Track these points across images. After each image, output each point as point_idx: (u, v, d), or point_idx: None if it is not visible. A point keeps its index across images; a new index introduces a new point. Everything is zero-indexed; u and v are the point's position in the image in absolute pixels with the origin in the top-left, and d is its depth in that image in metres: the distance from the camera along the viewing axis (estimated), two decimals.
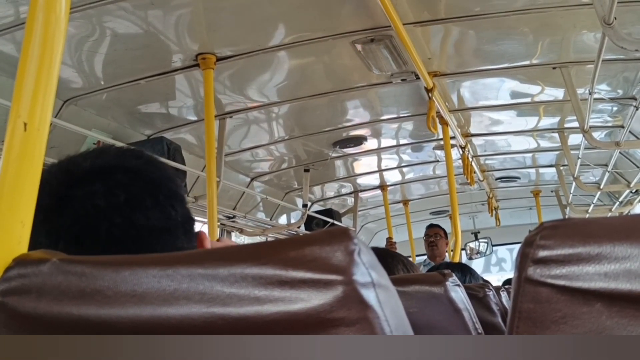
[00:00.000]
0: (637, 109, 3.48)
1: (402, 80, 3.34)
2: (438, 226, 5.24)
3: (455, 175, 3.97)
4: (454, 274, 1.32)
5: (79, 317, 0.57)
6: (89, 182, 0.77)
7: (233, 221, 4.66)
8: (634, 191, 5.45)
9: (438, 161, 5.15)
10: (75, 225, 0.75)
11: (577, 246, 0.53)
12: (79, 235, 0.75)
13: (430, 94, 3.27)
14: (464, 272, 2.53)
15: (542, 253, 0.54)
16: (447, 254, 5.15)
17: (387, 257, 1.83)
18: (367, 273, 0.53)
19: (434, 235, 5.13)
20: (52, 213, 0.75)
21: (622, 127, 3.89)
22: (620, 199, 5.94)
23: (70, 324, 0.58)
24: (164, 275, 0.56)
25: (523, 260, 0.55)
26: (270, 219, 5.30)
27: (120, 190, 0.77)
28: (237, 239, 5.03)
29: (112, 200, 0.76)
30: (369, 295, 0.52)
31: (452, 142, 3.99)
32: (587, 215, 6.24)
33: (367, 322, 0.52)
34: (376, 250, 1.88)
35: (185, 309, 0.54)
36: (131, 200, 0.77)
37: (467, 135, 4.47)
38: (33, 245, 0.72)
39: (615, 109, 3.99)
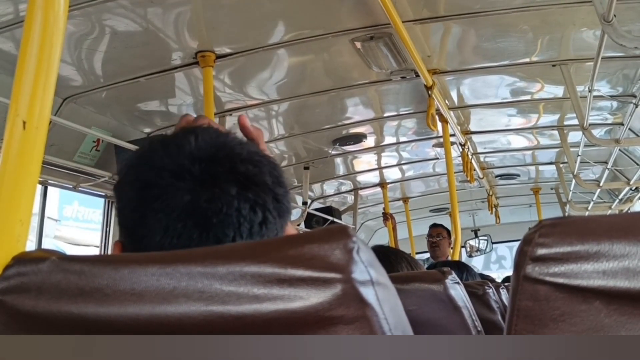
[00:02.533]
0: (636, 107, 3.48)
1: (401, 77, 3.34)
2: (441, 226, 5.19)
3: (455, 172, 3.97)
4: (453, 272, 1.32)
5: (78, 316, 0.57)
6: (245, 186, 0.73)
7: None
8: (633, 188, 5.46)
9: (438, 159, 5.15)
10: (214, 217, 0.71)
11: (576, 244, 0.53)
12: (210, 227, 0.71)
13: (429, 92, 3.27)
14: (461, 269, 2.53)
15: (541, 251, 0.54)
16: (448, 253, 5.13)
17: (391, 255, 1.82)
18: (366, 271, 0.53)
19: (437, 236, 5.09)
20: (202, 190, 0.72)
21: (622, 124, 3.89)
22: (620, 197, 5.95)
23: (69, 322, 0.58)
24: (163, 273, 0.56)
25: (522, 258, 0.55)
26: None
27: (261, 210, 0.74)
28: None
29: (253, 216, 0.73)
30: (368, 293, 0.53)
31: (452, 139, 3.98)
32: (587, 213, 6.24)
33: (366, 320, 0.52)
34: (379, 249, 1.88)
35: (184, 307, 0.54)
36: (263, 223, 0.74)
37: (467, 132, 4.47)
38: (158, 208, 0.71)
39: (614, 106, 3.99)
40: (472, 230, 7.47)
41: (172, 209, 0.71)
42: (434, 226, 5.22)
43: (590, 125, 3.59)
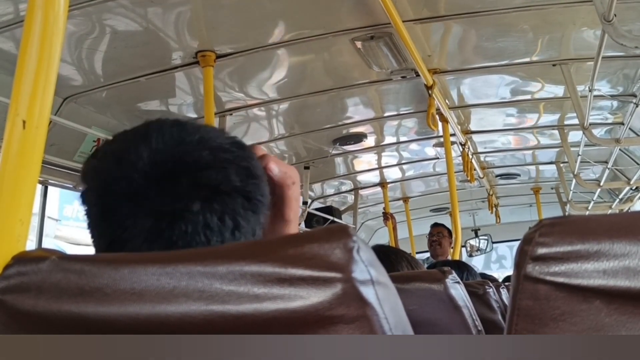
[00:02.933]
0: (637, 106, 3.48)
1: (402, 77, 3.34)
2: (442, 225, 5.25)
3: (455, 172, 3.97)
4: (453, 271, 1.32)
5: (78, 315, 0.57)
6: (209, 200, 0.69)
7: None
8: (634, 188, 5.45)
9: (438, 158, 5.15)
10: (180, 240, 0.68)
11: (576, 243, 0.53)
12: (178, 245, 0.68)
13: (430, 91, 3.27)
14: (462, 269, 2.53)
15: (541, 250, 0.54)
16: (449, 253, 5.15)
17: (391, 254, 1.83)
18: (366, 270, 0.53)
19: (437, 234, 5.14)
20: (162, 215, 0.68)
21: (622, 124, 3.88)
22: (620, 196, 5.94)
23: (69, 322, 0.58)
24: (163, 273, 0.56)
25: (522, 258, 0.55)
26: None
27: (231, 218, 0.70)
28: None
29: (222, 226, 0.69)
30: (368, 292, 0.53)
31: (452, 139, 3.98)
32: (587, 212, 6.24)
33: (366, 320, 0.52)
34: (380, 248, 1.88)
35: (184, 307, 0.54)
36: (236, 229, 0.71)
37: (467, 132, 4.47)
38: (119, 236, 0.69)
39: (615, 106, 3.98)
40: (472, 230, 7.47)
41: (135, 236, 0.68)
42: (435, 225, 5.29)
43: (590, 124, 3.59)
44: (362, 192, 6.00)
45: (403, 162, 5.34)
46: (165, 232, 0.68)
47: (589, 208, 6.30)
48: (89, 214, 0.73)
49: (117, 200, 0.69)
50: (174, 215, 0.68)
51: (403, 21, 2.61)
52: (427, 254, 5.44)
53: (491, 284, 1.76)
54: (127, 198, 0.69)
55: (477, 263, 8.18)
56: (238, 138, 0.77)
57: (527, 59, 3.29)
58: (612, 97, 3.73)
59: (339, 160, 5.02)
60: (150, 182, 0.69)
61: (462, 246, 6.24)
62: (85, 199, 0.73)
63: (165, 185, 0.69)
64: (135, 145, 0.72)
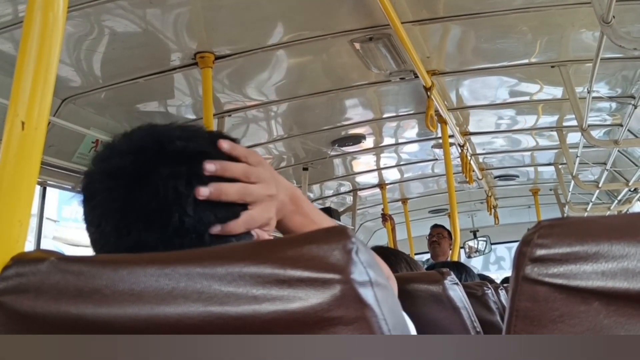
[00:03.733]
0: (635, 108, 3.48)
1: (400, 79, 3.34)
2: (442, 226, 5.28)
3: (454, 173, 3.97)
4: (452, 273, 1.32)
5: (77, 316, 0.57)
6: (177, 162, 0.74)
7: None
8: (632, 190, 5.46)
9: (437, 160, 5.15)
10: (153, 202, 0.72)
11: (575, 245, 0.53)
12: (151, 214, 0.72)
13: (429, 93, 3.27)
14: (460, 270, 2.53)
15: (540, 252, 0.54)
16: (449, 254, 5.16)
17: (390, 255, 1.82)
18: (365, 272, 0.53)
19: (437, 235, 5.17)
20: (135, 182, 0.73)
21: (621, 125, 3.89)
22: (619, 198, 5.95)
23: (68, 323, 0.58)
24: (162, 274, 0.56)
25: (520, 259, 0.55)
26: None
27: (200, 183, 0.74)
28: None
29: (190, 190, 0.73)
30: (367, 293, 0.53)
31: (451, 140, 3.98)
32: (586, 214, 6.25)
33: (365, 321, 0.52)
34: (379, 249, 1.88)
35: (183, 308, 0.54)
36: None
37: (466, 133, 4.47)
38: (102, 213, 0.73)
39: (613, 107, 3.99)
40: (471, 231, 7.47)
41: (113, 209, 0.73)
42: (435, 226, 5.32)
43: (589, 126, 3.59)
44: (360, 193, 5.99)
45: (402, 163, 5.34)
46: (139, 199, 0.72)
47: (588, 209, 6.30)
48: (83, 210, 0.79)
49: (100, 181, 0.76)
50: (147, 181, 0.73)
51: (402, 22, 2.61)
52: (426, 256, 5.46)
53: (490, 285, 1.76)
54: (107, 175, 0.75)
55: (476, 264, 8.18)
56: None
57: (526, 61, 3.29)
58: (611, 98, 3.73)
59: (337, 161, 5.02)
60: (124, 159, 0.75)
61: (461, 247, 6.25)
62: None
63: (137, 157, 0.75)
64: (119, 142, 0.81)
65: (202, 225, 0.73)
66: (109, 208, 0.73)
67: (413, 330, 0.89)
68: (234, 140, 0.83)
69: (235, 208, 0.77)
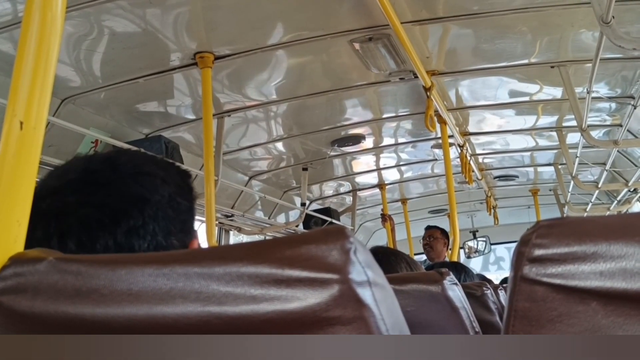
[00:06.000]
0: (635, 108, 3.48)
1: (400, 79, 3.34)
2: (435, 227, 5.20)
3: (453, 173, 3.97)
4: (451, 273, 1.32)
5: (75, 316, 0.57)
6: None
7: (231, 220, 4.67)
8: (632, 190, 5.46)
9: (436, 160, 5.15)
10: (82, 234, 0.76)
11: (573, 245, 0.53)
12: (81, 241, 0.76)
13: (428, 93, 3.27)
14: (459, 270, 2.53)
15: (538, 252, 0.54)
16: (445, 254, 5.13)
17: (390, 255, 1.82)
18: (363, 272, 0.53)
19: (429, 237, 5.10)
20: (63, 215, 0.77)
21: (620, 125, 3.89)
22: (619, 198, 5.95)
23: (66, 323, 0.58)
24: (160, 274, 0.56)
25: (519, 259, 0.55)
26: (269, 218, 5.30)
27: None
28: (236, 237, 5.04)
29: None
30: (365, 293, 0.53)
31: (451, 140, 3.99)
32: (585, 214, 6.25)
33: (363, 321, 0.52)
34: (379, 249, 1.88)
35: (181, 308, 0.54)
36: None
37: (466, 134, 4.47)
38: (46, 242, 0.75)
39: (613, 107, 3.99)
40: (470, 232, 7.47)
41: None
42: (428, 228, 5.23)
43: (588, 126, 3.59)
44: (360, 193, 6.00)
45: (401, 163, 5.34)
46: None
47: (587, 210, 6.30)
48: None
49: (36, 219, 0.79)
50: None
51: (401, 23, 2.61)
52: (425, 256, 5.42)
53: (489, 286, 1.76)
54: (39, 215, 0.78)
55: (476, 265, 8.18)
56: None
57: (526, 61, 3.29)
58: (610, 99, 3.73)
59: (337, 161, 5.02)
60: (54, 197, 0.80)
61: (461, 248, 6.25)
62: None
63: (66, 193, 0.80)
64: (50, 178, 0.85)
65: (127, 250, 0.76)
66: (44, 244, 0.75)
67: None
68: (117, 156, 0.86)
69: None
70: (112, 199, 0.78)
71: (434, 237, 5.06)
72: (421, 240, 5.22)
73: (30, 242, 0.73)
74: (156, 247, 0.78)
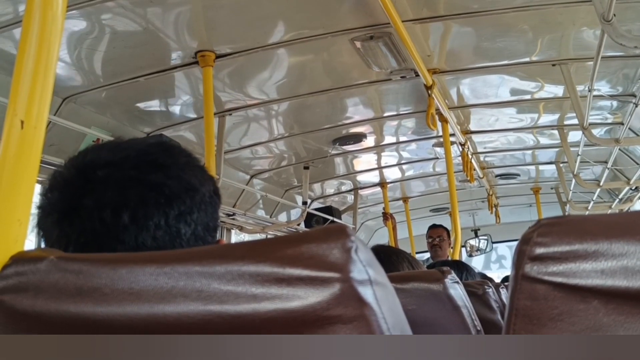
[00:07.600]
0: (636, 106, 3.48)
1: (401, 77, 3.34)
2: (441, 227, 5.11)
3: (455, 172, 3.97)
4: (452, 271, 1.32)
5: (76, 315, 0.57)
6: (101, 192, 0.75)
7: (233, 219, 4.66)
8: (633, 188, 5.45)
9: (438, 158, 5.15)
10: (82, 237, 0.75)
11: (574, 243, 0.53)
12: (83, 248, 0.75)
13: (429, 91, 3.27)
14: (461, 269, 2.53)
15: (539, 250, 0.54)
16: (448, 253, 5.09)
17: (392, 254, 1.82)
18: (364, 270, 0.53)
19: (437, 237, 5.02)
20: (64, 219, 0.76)
21: (622, 124, 3.88)
22: (620, 196, 5.94)
23: (67, 321, 0.58)
24: (161, 273, 0.56)
25: (520, 258, 0.55)
26: (270, 217, 5.30)
27: (128, 208, 0.75)
28: (237, 236, 5.04)
29: (118, 218, 0.74)
30: (366, 292, 0.52)
31: (452, 139, 3.98)
32: (587, 212, 6.24)
33: (364, 320, 0.52)
34: (381, 248, 1.87)
35: (182, 307, 0.54)
36: (138, 220, 0.75)
37: (467, 132, 4.46)
38: (49, 244, 0.76)
39: (614, 106, 3.98)
40: (472, 230, 7.46)
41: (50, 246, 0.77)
42: (433, 227, 5.14)
43: (590, 124, 3.59)
44: (361, 192, 5.99)
45: (403, 162, 5.34)
46: (70, 234, 0.76)
47: (589, 208, 6.30)
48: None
49: (42, 217, 0.81)
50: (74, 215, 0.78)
51: (402, 21, 2.61)
52: (427, 254, 5.38)
53: (490, 284, 1.76)
54: (43, 213, 0.80)
55: (477, 263, 8.18)
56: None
57: (527, 59, 3.29)
58: (612, 97, 3.73)
59: (338, 160, 5.02)
60: (54, 195, 0.80)
61: (462, 246, 6.24)
62: None
63: (64, 192, 0.79)
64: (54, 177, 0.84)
65: (142, 249, 0.76)
66: (48, 243, 0.76)
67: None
68: (171, 145, 0.86)
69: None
70: (171, 181, 0.79)
71: (443, 237, 4.99)
72: (428, 239, 5.11)
73: (77, 211, 0.74)
74: (196, 238, 0.80)
